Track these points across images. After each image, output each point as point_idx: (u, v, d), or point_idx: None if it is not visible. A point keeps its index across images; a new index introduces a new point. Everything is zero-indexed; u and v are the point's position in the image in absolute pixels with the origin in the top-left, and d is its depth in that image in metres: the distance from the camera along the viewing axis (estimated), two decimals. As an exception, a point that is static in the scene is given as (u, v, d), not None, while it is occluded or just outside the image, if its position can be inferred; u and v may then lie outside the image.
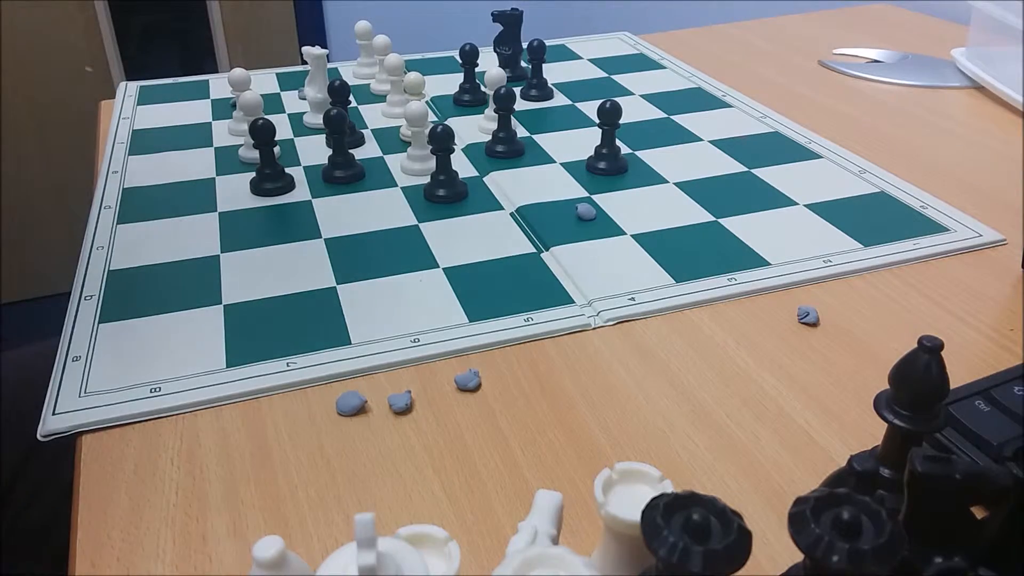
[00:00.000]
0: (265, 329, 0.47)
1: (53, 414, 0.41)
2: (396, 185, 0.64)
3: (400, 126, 0.73)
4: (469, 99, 0.79)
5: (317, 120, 0.73)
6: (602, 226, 0.57)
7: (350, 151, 0.66)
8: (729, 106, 0.78)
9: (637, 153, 0.68)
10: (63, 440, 0.40)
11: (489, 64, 0.78)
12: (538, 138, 0.72)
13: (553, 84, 0.82)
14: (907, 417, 0.30)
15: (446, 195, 0.61)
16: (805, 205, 0.60)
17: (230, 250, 0.55)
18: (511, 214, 0.60)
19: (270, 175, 0.63)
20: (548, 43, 0.82)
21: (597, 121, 0.64)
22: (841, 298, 0.50)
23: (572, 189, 0.63)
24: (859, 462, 0.28)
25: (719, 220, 0.58)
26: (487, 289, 0.51)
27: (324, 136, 0.70)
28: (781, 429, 0.40)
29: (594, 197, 0.61)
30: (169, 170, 0.67)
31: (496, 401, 0.42)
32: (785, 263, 0.53)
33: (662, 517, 0.22)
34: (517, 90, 0.75)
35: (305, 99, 0.77)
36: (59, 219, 1.90)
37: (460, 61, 0.79)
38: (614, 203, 0.60)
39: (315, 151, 0.70)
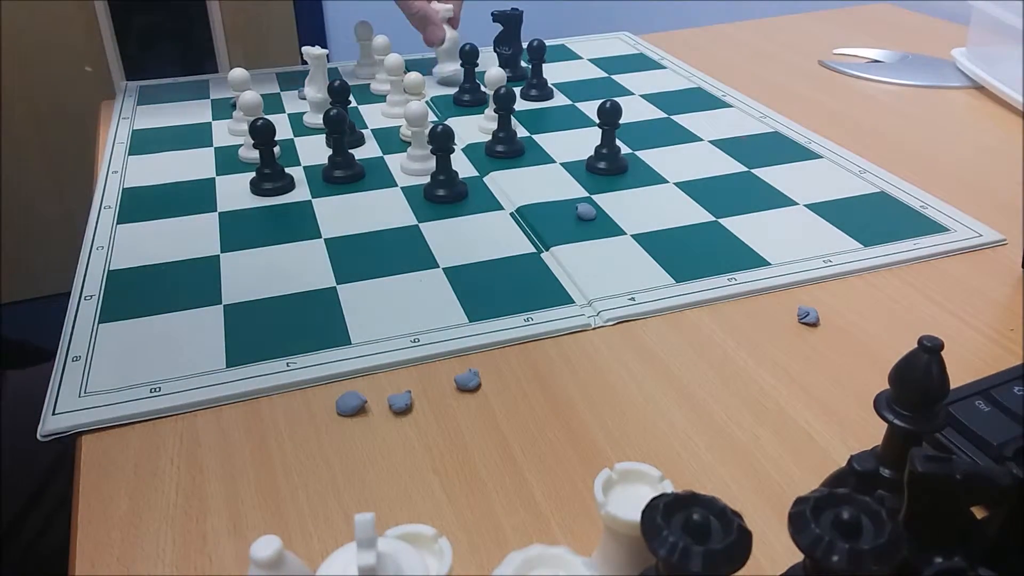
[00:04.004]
0: (265, 329, 0.47)
1: (53, 414, 0.41)
2: (396, 185, 0.64)
3: (400, 126, 0.73)
4: (469, 99, 0.79)
5: (317, 120, 0.73)
6: (602, 226, 0.57)
7: (350, 151, 0.66)
8: (729, 106, 0.78)
9: (637, 153, 0.68)
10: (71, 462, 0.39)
11: (489, 64, 0.78)
12: (538, 138, 0.72)
13: (553, 84, 0.82)
14: (907, 417, 0.30)
15: (446, 195, 0.61)
16: (805, 205, 0.59)
17: (230, 250, 0.55)
18: (511, 214, 0.60)
19: (270, 175, 0.63)
20: (548, 43, 0.82)
21: (597, 121, 0.64)
22: (841, 298, 0.50)
23: (572, 189, 0.63)
24: (859, 462, 0.29)
25: (719, 220, 0.58)
26: (487, 289, 0.50)
27: (324, 136, 0.70)
28: (781, 429, 0.40)
29: (594, 197, 0.61)
30: (169, 170, 0.67)
31: (496, 401, 0.42)
32: (785, 263, 0.53)
33: (662, 517, 0.22)
34: (517, 90, 0.75)
35: (305, 99, 0.77)
36: (59, 219, 1.90)
37: (460, 61, 0.79)
38: (614, 203, 0.60)
39: (315, 151, 0.70)
